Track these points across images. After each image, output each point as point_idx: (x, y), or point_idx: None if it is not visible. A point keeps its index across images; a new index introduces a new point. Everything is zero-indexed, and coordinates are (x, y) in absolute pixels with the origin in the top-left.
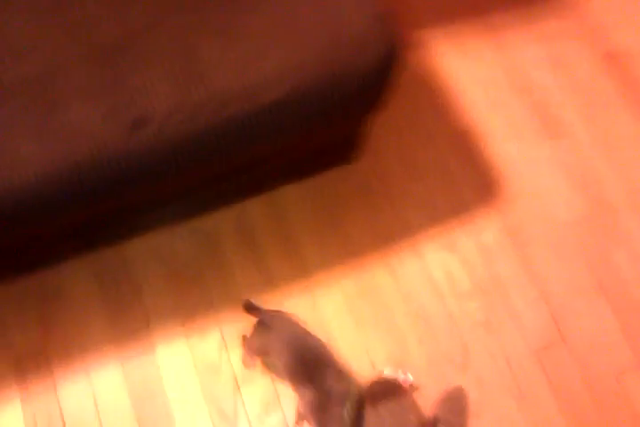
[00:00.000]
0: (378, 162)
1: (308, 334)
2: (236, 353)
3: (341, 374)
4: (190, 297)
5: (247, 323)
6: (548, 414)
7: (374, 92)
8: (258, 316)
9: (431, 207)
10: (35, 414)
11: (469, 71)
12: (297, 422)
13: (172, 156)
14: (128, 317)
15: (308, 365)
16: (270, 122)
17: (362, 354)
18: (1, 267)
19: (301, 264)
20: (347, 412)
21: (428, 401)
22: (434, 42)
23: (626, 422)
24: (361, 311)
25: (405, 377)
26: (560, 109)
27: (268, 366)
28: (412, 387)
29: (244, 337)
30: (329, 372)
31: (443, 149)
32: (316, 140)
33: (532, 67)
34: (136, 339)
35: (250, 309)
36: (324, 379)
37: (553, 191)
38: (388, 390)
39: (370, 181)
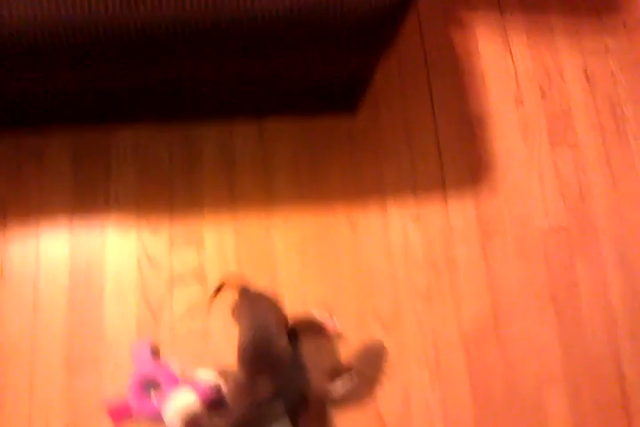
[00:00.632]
0: (375, 118)
1: (278, 332)
2: (179, 257)
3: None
4: (153, 195)
5: (195, 234)
6: (459, 394)
7: (382, 26)
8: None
9: (412, 176)
10: None
11: (502, 61)
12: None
13: (165, 34)
14: (90, 196)
15: (259, 361)
16: (265, 34)
17: (297, 291)
18: None
19: (269, 194)
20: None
21: (347, 351)
22: (479, 23)
23: (529, 425)
24: (310, 253)
25: (332, 321)
26: (577, 120)
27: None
28: (336, 332)
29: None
30: (272, 379)
31: (443, 124)
32: (317, 73)
33: (565, 75)
34: (91, 218)
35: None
36: (263, 384)
37: (538, 196)
38: (310, 329)
39: (361, 135)
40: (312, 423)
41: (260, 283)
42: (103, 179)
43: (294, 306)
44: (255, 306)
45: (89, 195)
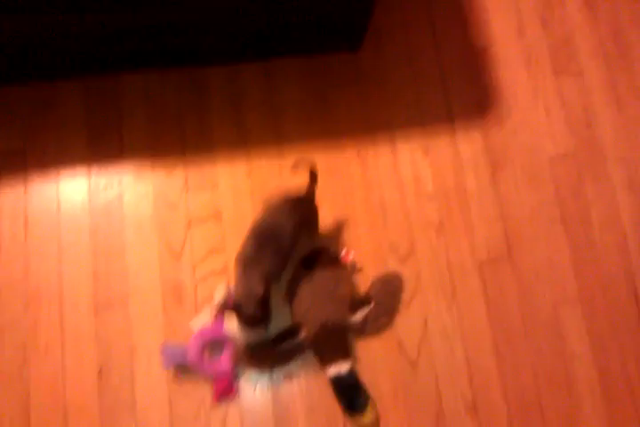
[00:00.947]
0: (379, 54)
1: (289, 221)
2: (195, 199)
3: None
4: (165, 137)
5: (209, 176)
6: (476, 320)
7: None
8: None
9: (418, 109)
10: (2, 204)
11: None
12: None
13: None
14: (104, 141)
15: (266, 237)
16: None
17: None
18: (8, 66)
19: (279, 133)
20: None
21: (365, 283)
22: None
23: (547, 348)
24: (322, 189)
25: (348, 253)
26: (581, 48)
27: None
28: (353, 264)
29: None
30: (276, 253)
31: (447, 57)
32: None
33: (566, 3)
34: (108, 163)
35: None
36: (268, 256)
37: (544, 124)
38: (327, 260)
39: (366, 71)
40: (333, 353)
41: None
42: (116, 125)
43: (311, 241)
44: (283, 203)
45: (103, 141)
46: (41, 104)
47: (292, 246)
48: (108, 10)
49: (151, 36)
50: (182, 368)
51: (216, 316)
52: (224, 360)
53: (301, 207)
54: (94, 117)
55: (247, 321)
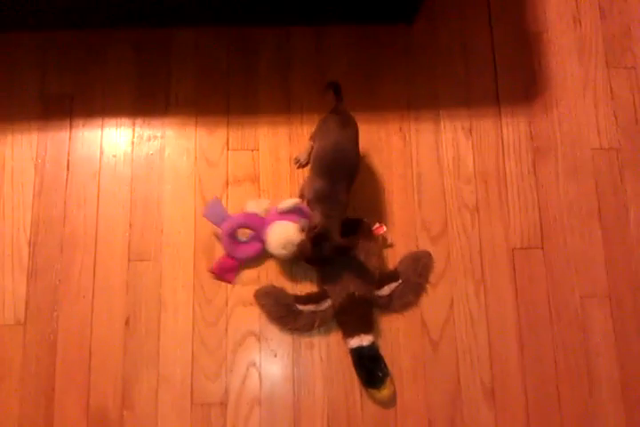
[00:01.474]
0: (431, 31)
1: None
2: (234, 158)
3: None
4: (211, 95)
5: (251, 137)
6: (502, 306)
7: None
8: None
9: (466, 89)
10: (46, 148)
11: None
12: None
13: None
14: (151, 94)
15: (337, 168)
16: None
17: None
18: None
19: (323, 101)
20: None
21: (394, 259)
22: None
23: (571, 341)
24: (362, 162)
25: (380, 227)
26: (635, 42)
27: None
28: (384, 238)
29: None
30: (348, 185)
31: (499, 38)
32: None
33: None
34: (152, 116)
35: (334, 89)
36: (341, 188)
37: (592, 116)
38: (359, 231)
39: (417, 47)
40: (356, 325)
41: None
42: (164, 79)
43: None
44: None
45: (150, 94)
46: (94, 52)
47: (359, 167)
48: None
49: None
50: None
51: (276, 213)
52: (246, 248)
53: (349, 123)
54: (144, 69)
55: (316, 257)
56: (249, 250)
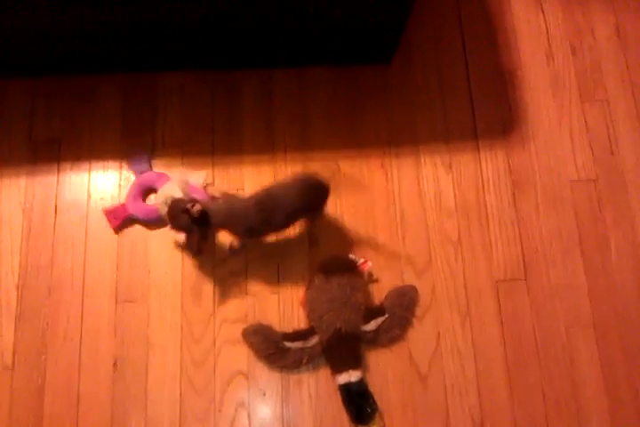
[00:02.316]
0: (408, 69)
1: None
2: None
3: None
4: (196, 136)
5: (236, 177)
6: (489, 338)
7: None
8: None
9: (444, 125)
10: (34, 192)
11: (533, 17)
12: None
13: None
14: (138, 137)
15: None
16: None
17: (331, 235)
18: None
19: (306, 138)
20: None
21: (380, 294)
22: None
23: (558, 372)
24: (344, 197)
25: (365, 262)
26: (609, 76)
27: None
28: (369, 274)
29: None
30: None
31: (475, 75)
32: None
33: (596, 32)
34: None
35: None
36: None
37: (568, 148)
38: (344, 267)
39: (395, 85)
40: (344, 361)
41: (295, 226)
42: (150, 122)
43: (329, 248)
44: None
45: (137, 137)
46: (80, 96)
47: (286, 220)
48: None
49: (189, 39)
50: None
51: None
52: (142, 207)
53: (314, 191)
54: (130, 113)
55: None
56: (144, 209)
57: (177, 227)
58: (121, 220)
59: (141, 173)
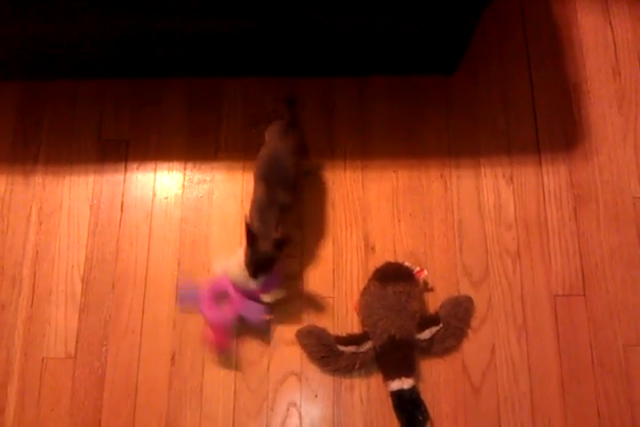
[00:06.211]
0: (472, 81)
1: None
2: None
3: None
4: (258, 144)
5: None
6: (544, 352)
7: None
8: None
9: (506, 137)
10: (102, 189)
11: (601, 31)
12: None
13: None
14: (202, 139)
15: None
16: None
17: (388, 243)
18: (124, 61)
19: (365, 146)
20: None
21: (435, 304)
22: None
23: (614, 390)
24: (402, 205)
25: (421, 271)
26: None
27: None
28: (425, 282)
29: None
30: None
31: (539, 89)
32: (419, 29)
33: None
34: (202, 160)
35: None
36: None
37: (632, 164)
38: (400, 275)
39: (457, 96)
40: (397, 367)
41: (353, 232)
42: (214, 125)
43: (385, 256)
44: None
45: (201, 139)
46: (148, 99)
47: (296, 173)
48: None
49: (256, 47)
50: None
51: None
52: (225, 312)
53: (292, 131)
54: (195, 116)
55: (258, 259)
56: (226, 315)
57: (261, 263)
58: (223, 343)
59: (191, 302)
